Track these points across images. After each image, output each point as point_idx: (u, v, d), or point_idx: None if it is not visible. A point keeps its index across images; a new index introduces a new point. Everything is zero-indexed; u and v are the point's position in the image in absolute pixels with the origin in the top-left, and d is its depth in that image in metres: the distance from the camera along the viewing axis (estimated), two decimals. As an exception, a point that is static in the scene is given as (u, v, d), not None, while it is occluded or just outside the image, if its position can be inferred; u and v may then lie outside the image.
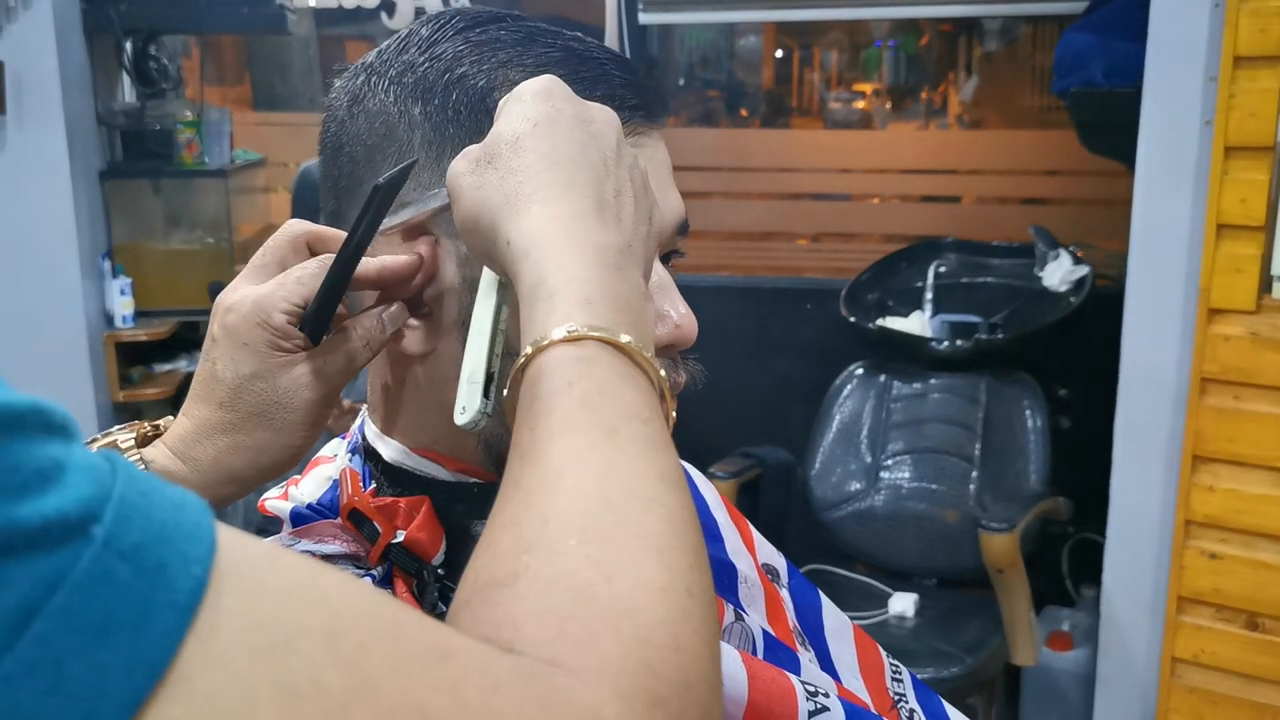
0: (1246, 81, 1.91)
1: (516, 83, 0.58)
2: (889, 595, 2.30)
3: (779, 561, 0.86)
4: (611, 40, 2.79)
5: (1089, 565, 2.50)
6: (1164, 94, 2.01)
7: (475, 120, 0.61)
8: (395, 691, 0.32)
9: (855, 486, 2.45)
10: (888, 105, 4.02)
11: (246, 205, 3.21)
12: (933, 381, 2.45)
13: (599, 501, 0.40)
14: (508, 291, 0.56)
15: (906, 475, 2.42)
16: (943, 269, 2.67)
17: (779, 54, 4.20)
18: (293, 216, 2.65)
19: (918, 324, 2.56)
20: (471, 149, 0.54)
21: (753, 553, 0.83)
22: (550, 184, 0.50)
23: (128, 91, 3.12)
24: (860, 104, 4.12)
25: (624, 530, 0.40)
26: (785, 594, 0.83)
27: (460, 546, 0.64)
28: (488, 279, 0.58)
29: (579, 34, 0.67)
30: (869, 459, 2.46)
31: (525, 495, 0.41)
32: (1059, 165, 3.09)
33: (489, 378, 0.55)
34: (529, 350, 0.46)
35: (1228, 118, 1.92)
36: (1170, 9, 1.98)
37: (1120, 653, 2.23)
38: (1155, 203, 2.06)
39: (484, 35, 0.65)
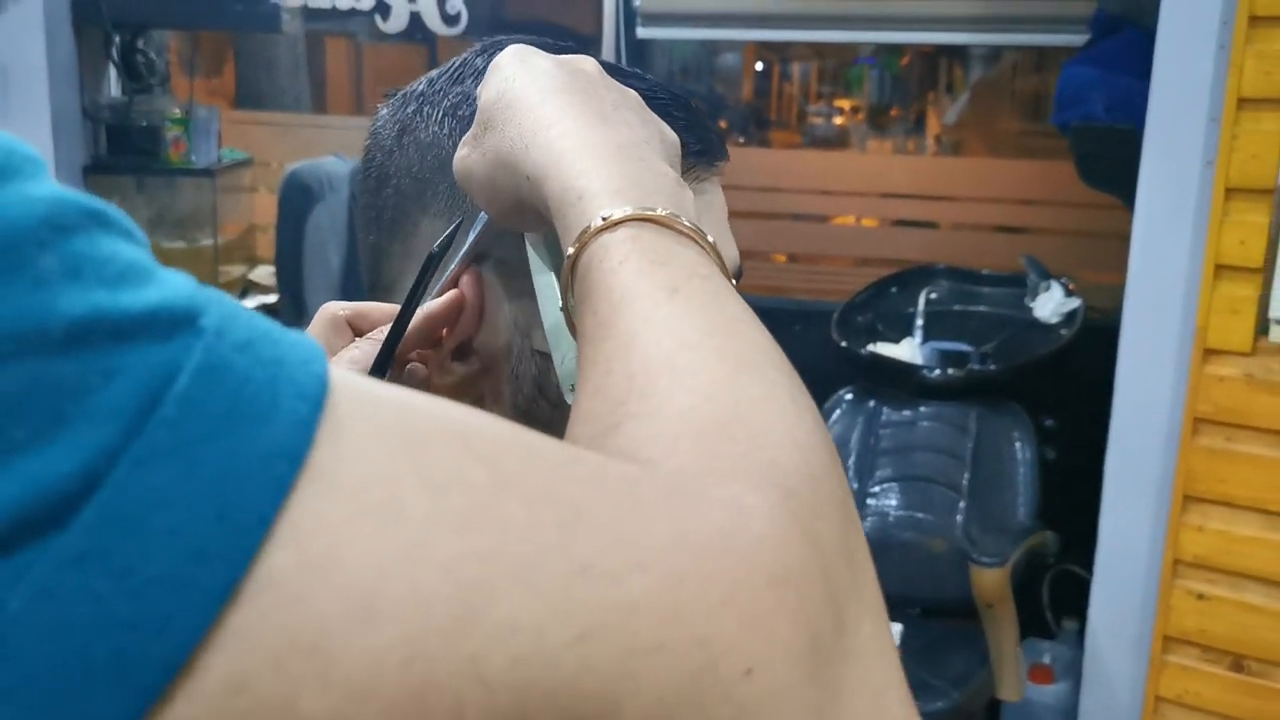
0: (1249, 124, 1.91)
1: None
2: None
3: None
4: (609, 54, 2.77)
5: (1070, 597, 2.49)
6: (1166, 133, 2.01)
7: None
8: (540, 484, 0.30)
9: (841, 513, 2.43)
10: (865, 123, 4.03)
11: (231, 205, 3.17)
12: (922, 409, 2.44)
13: (678, 344, 0.39)
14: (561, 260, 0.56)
15: (894, 503, 2.41)
16: (934, 295, 2.66)
17: (759, 67, 4.20)
18: (279, 220, 2.59)
19: (908, 351, 2.55)
20: (466, 136, 0.53)
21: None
22: (549, 114, 0.48)
23: (114, 86, 3.07)
24: (839, 120, 4.13)
25: (709, 360, 0.39)
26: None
27: None
28: (536, 262, 0.56)
29: (639, 71, 0.65)
30: (856, 485, 2.44)
31: (604, 365, 0.40)
32: (1045, 194, 3.10)
33: None
34: (571, 251, 0.44)
35: (1229, 159, 1.92)
36: (1175, 49, 1.98)
37: (1104, 690, 2.22)
38: (1154, 241, 2.06)
39: None
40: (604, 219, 0.43)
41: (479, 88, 0.54)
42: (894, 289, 2.72)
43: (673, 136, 0.53)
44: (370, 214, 0.66)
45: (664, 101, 0.62)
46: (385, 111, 0.67)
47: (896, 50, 3.88)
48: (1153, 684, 2.11)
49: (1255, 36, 1.87)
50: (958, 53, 3.75)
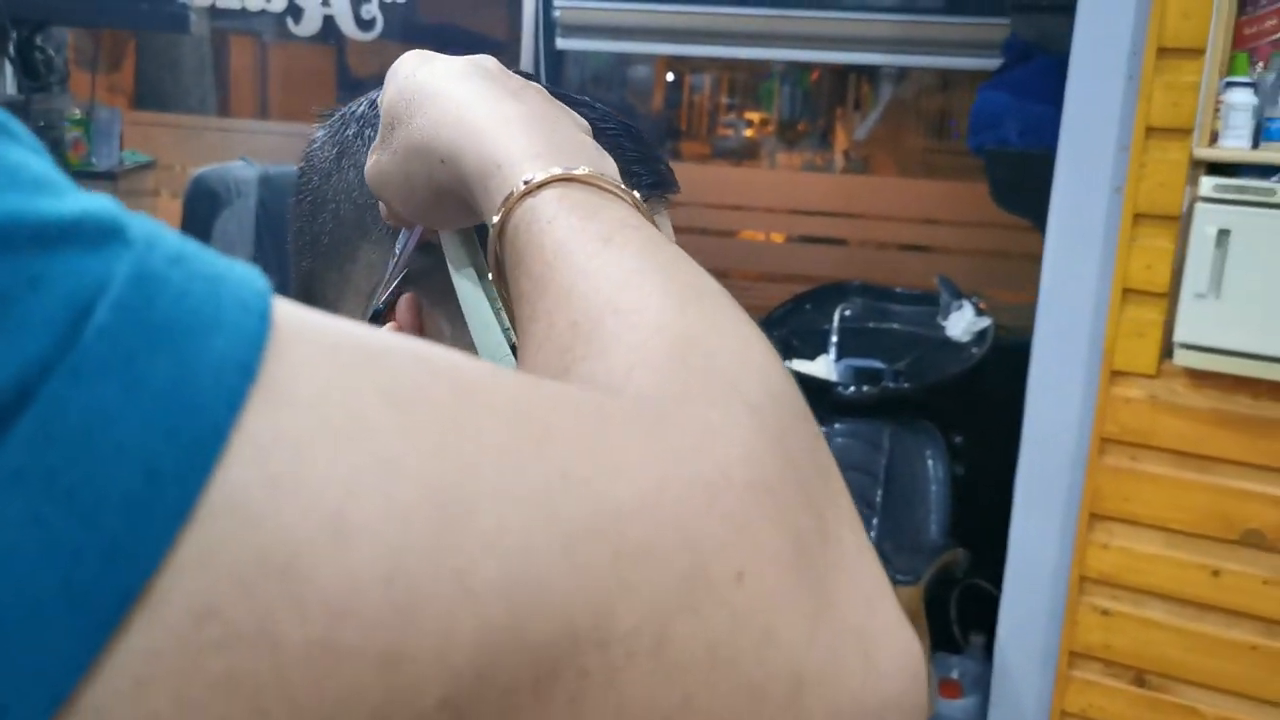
0: (1157, 152, 1.96)
1: None
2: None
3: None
4: (527, 64, 2.75)
5: (977, 612, 2.53)
6: (1077, 159, 2.06)
7: None
8: (507, 401, 0.28)
9: (756, 529, 2.44)
10: (775, 136, 4.07)
11: (133, 210, 3.07)
12: (837, 426, 2.46)
13: (618, 287, 0.38)
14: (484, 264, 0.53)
15: (808, 519, 2.41)
16: (848, 313, 2.69)
17: (670, 78, 4.22)
18: (184, 226, 2.53)
19: (824, 368, 2.57)
20: (374, 145, 0.52)
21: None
22: (457, 95, 0.47)
23: (10, 84, 2.96)
24: (749, 132, 4.16)
25: (652, 297, 0.37)
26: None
27: None
28: (456, 261, 0.54)
29: (588, 99, 0.63)
30: (770, 501, 2.45)
31: (545, 320, 0.39)
32: (955, 214, 3.16)
33: (514, 349, 0.52)
34: (497, 219, 0.43)
35: (1138, 186, 1.97)
36: (1086, 78, 2.03)
37: (1011, 704, 2.26)
38: (1064, 264, 2.10)
39: None
40: (526, 182, 0.42)
41: (380, 95, 0.52)
42: (809, 305, 2.74)
43: (584, 122, 0.51)
44: (305, 239, 0.64)
45: (614, 132, 0.61)
46: (322, 133, 0.64)
47: (806, 66, 3.92)
48: (1059, 698, 2.16)
49: (1164, 67, 1.93)
50: (866, 69, 3.80)
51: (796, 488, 0.32)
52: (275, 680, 0.22)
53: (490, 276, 0.51)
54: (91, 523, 0.21)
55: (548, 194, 0.42)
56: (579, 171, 0.43)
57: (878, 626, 0.32)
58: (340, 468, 0.24)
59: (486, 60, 0.52)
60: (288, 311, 0.26)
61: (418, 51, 0.52)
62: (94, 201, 0.24)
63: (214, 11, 2.97)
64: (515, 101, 0.47)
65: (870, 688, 0.31)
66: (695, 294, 0.38)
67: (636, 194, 0.44)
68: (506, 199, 0.43)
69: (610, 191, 0.43)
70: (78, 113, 2.84)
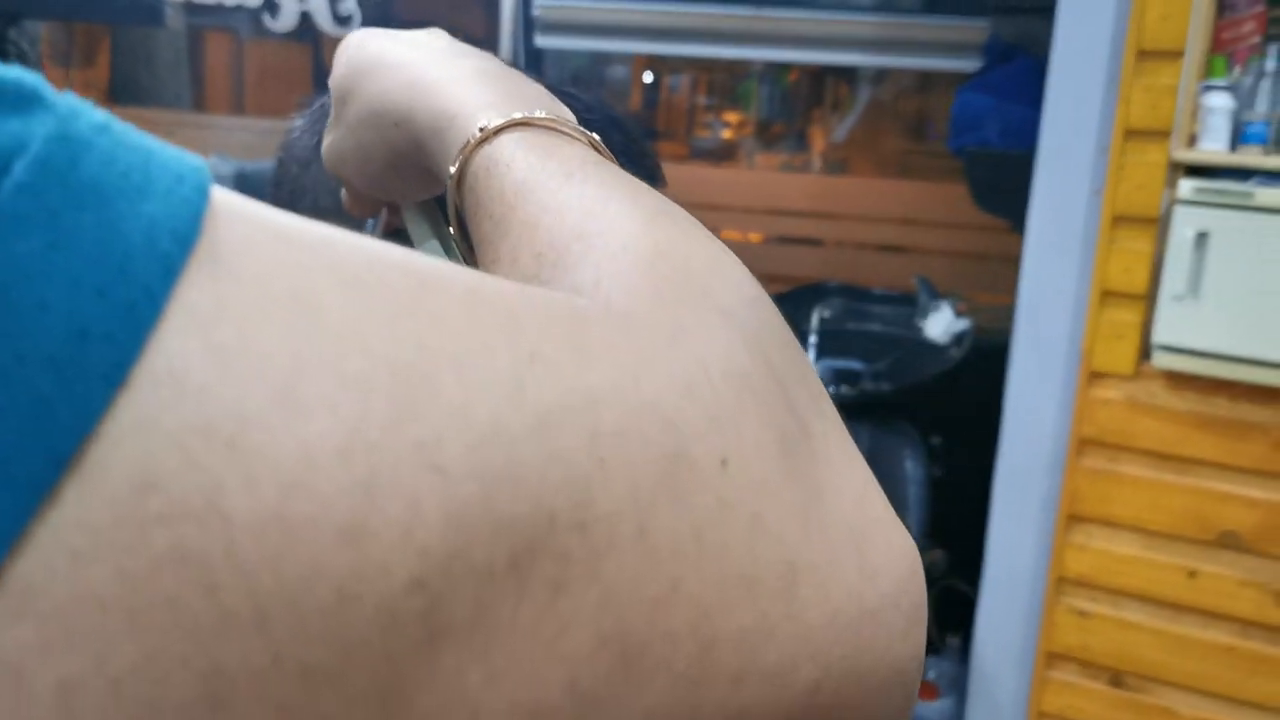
0: (1136, 155, 1.96)
1: None
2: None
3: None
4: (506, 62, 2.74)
5: (954, 613, 2.54)
6: (1057, 161, 2.06)
7: None
8: (466, 289, 0.27)
9: (734, 529, 2.43)
10: (753, 137, 4.07)
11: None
12: (815, 427, 2.46)
13: (583, 215, 0.37)
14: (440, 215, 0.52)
15: (786, 520, 2.41)
16: (826, 314, 2.69)
17: (648, 77, 4.21)
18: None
19: (802, 369, 2.57)
20: (327, 126, 0.51)
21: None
22: (406, 60, 0.47)
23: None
24: (726, 133, 4.16)
25: (617, 220, 0.36)
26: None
27: None
28: (418, 235, 0.53)
29: (573, 90, 0.62)
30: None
31: (508, 257, 0.37)
32: (934, 215, 3.16)
33: None
34: (454, 169, 0.42)
35: (1117, 188, 1.98)
36: (1066, 80, 2.03)
37: (988, 705, 2.26)
38: (1043, 266, 2.11)
39: None
40: (481, 129, 0.41)
41: (330, 78, 0.52)
42: (787, 306, 2.74)
43: (539, 86, 0.50)
44: None
45: (600, 123, 0.60)
46: (301, 122, 0.63)
47: (784, 66, 3.92)
48: (1036, 699, 2.16)
49: (1143, 70, 1.93)
50: (845, 70, 3.81)
51: (775, 384, 0.31)
52: (226, 555, 0.21)
53: (455, 248, 0.50)
54: (14, 381, 0.20)
55: (504, 138, 0.41)
56: (536, 115, 0.42)
57: (869, 521, 0.31)
58: (290, 341, 0.23)
59: (435, 30, 0.52)
60: (227, 194, 0.25)
61: (364, 30, 0.51)
62: (10, 70, 0.23)
63: (190, 7, 2.94)
64: (466, 59, 0.46)
65: (866, 582, 0.30)
66: (663, 214, 0.37)
67: (595, 136, 0.43)
68: (463, 148, 0.42)
69: (568, 134, 0.42)
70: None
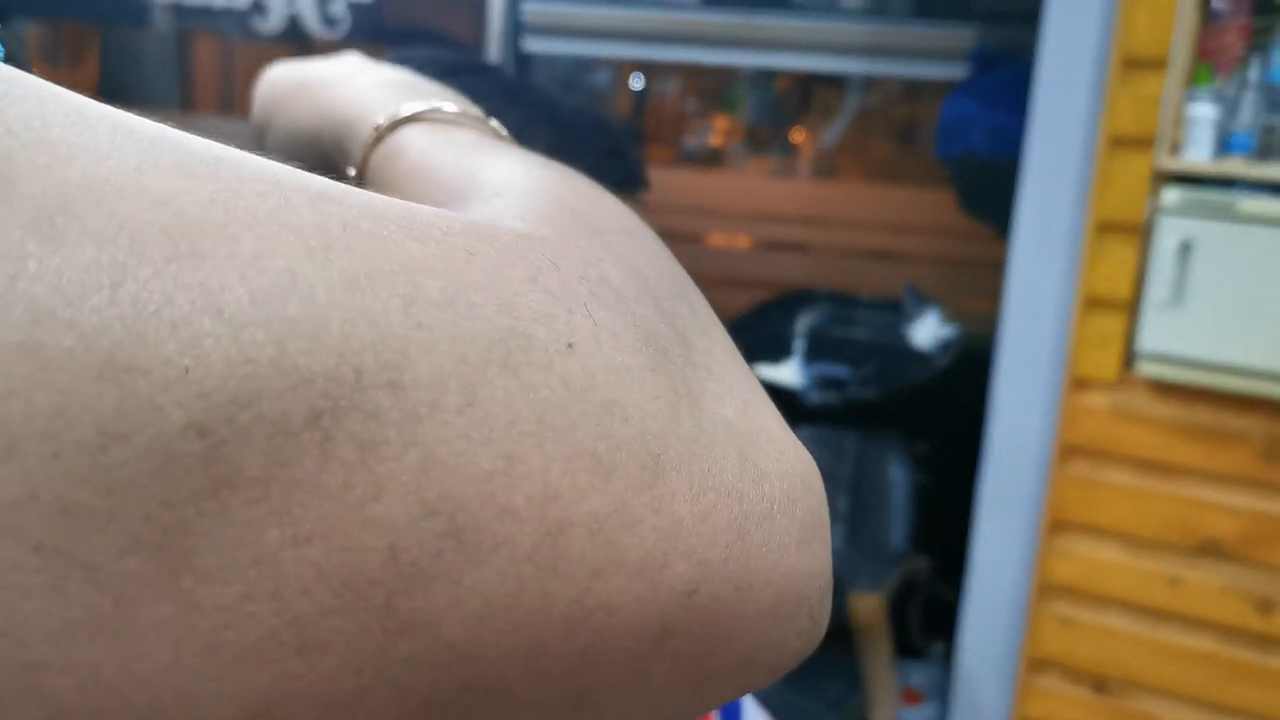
0: (1121, 163, 1.97)
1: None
2: (749, 647, 2.29)
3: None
4: (495, 65, 2.73)
5: (937, 619, 2.54)
6: (1042, 168, 2.07)
7: None
8: (265, 164, 0.26)
9: (719, 534, 2.43)
10: (742, 142, 4.08)
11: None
12: (802, 432, 2.46)
13: (474, 172, 0.36)
14: None
15: (771, 526, 2.42)
16: (813, 320, 2.69)
17: (636, 82, 4.21)
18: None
19: (789, 374, 2.57)
20: None
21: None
22: (308, 88, 0.48)
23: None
24: (714, 138, 4.16)
25: (515, 176, 0.35)
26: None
27: None
28: None
29: (558, 93, 0.62)
30: (734, 507, 2.45)
31: None
32: (920, 221, 3.17)
33: None
34: (353, 173, 0.42)
35: (1102, 196, 1.99)
36: (1052, 87, 2.04)
37: (971, 711, 2.26)
38: (1027, 273, 2.11)
39: (460, 84, 0.60)
40: (377, 127, 0.41)
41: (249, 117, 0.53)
42: (774, 312, 2.74)
43: (441, 87, 0.50)
44: None
45: (587, 126, 0.60)
46: None
47: (774, 73, 3.92)
48: (1019, 705, 2.16)
49: (1128, 78, 1.94)
50: (833, 78, 3.81)
51: (645, 294, 0.29)
52: None
53: None
54: None
55: (400, 132, 0.41)
56: (441, 106, 0.42)
57: (755, 428, 0.29)
58: (49, 177, 0.21)
59: (348, 54, 0.52)
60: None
61: (279, 64, 0.52)
62: None
63: (178, 9, 2.93)
64: (371, 73, 0.47)
65: (750, 484, 0.28)
66: (569, 174, 0.36)
67: (495, 122, 0.43)
68: (363, 148, 0.42)
69: (465, 125, 0.42)
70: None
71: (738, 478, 0.28)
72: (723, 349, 0.32)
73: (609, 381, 0.26)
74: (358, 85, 0.45)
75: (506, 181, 0.34)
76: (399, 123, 0.41)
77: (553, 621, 0.25)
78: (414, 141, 0.40)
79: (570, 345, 0.26)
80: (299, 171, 0.26)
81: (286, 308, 0.22)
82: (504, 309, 0.25)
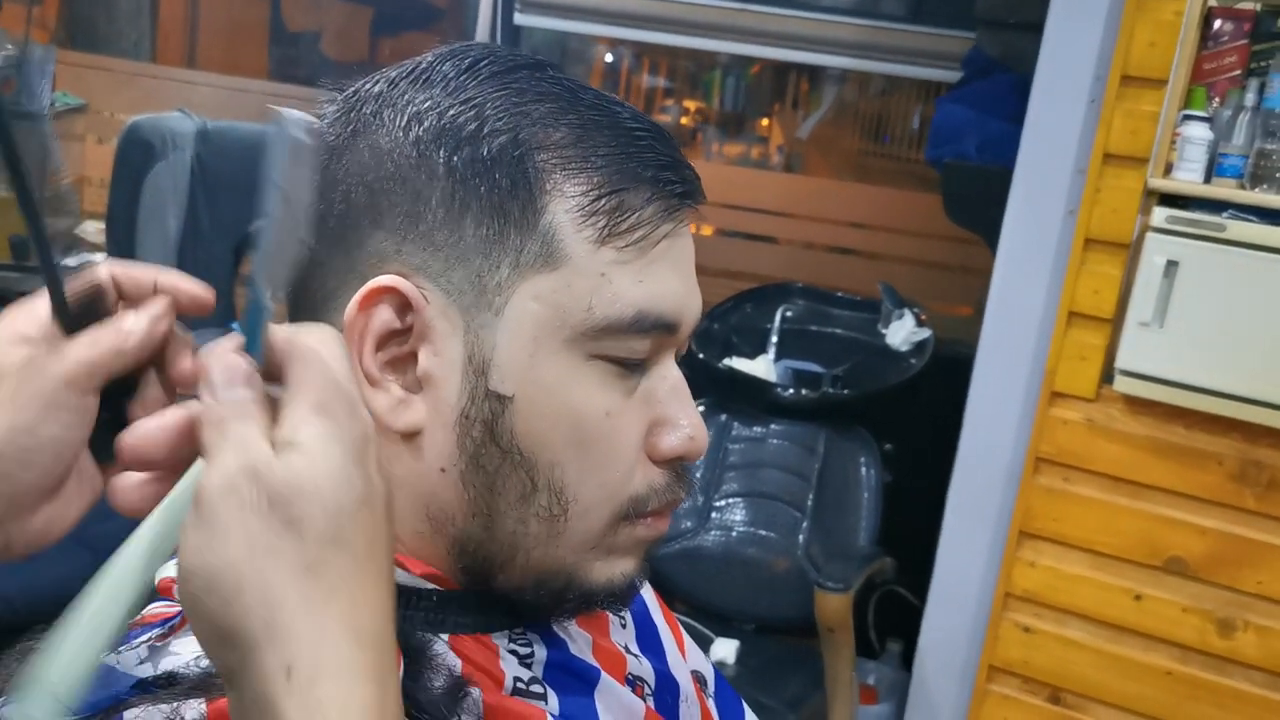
0: (1112, 178, 1.97)
1: (558, 143, 0.55)
2: (710, 640, 2.28)
3: (707, 668, 0.81)
4: (484, 38, 2.69)
5: (895, 619, 2.55)
6: (1033, 180, 2.07)
7: (510, 180, 0.55)
8: None
9: (685, 525, 2.42)
10: (715, 128, 4.08)
11: (62, 154, 2.95)
12: (773, 427, 2.46)
13: None
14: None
15: (738, 518, 2.41)
16: (790, 314, 2.68)
17: (609, 58, 4.18)
18: (115, 175, 2.39)
19: (763, 367, 2.56)
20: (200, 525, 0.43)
21: (685, 660, 0.78)
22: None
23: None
24: (685, 120, 4.16)
25: None
26: (712, 705, 0.79)
27: (416, 659, 0.56)
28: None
29: (614, 96, 0.60)
30: (701, 498, 2.44)
31: None
32: (897, 222, 3.17)
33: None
34: None
35: (1091, 211, 1.99)
36: (1048, 100, 2.04)
37: (927, 714, 2.28)
38: (1012, 282, 2.11)
39: (521, 84, 0.57)
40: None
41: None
42: (751, 304, 2.73)
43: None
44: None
45: (646, 136, 0.58)
46: (332, 108, 0.61)
47: (747, 60, 3.91)
48: (974, 711, 2.17)
49: (1125, 95, 1.94)
50: (806, 67, 3.80)
51: None
52: None
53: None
54: None
55: None
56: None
57: None
58: None
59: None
60: None
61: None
62: None
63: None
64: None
65: None
66: None
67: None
68: None
69: None
70: (10, 49, 2.71)
71: None
72: None
73: None
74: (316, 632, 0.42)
75: None
76: None
77: None
78: None
79: None
80: None
81: None
82: None
